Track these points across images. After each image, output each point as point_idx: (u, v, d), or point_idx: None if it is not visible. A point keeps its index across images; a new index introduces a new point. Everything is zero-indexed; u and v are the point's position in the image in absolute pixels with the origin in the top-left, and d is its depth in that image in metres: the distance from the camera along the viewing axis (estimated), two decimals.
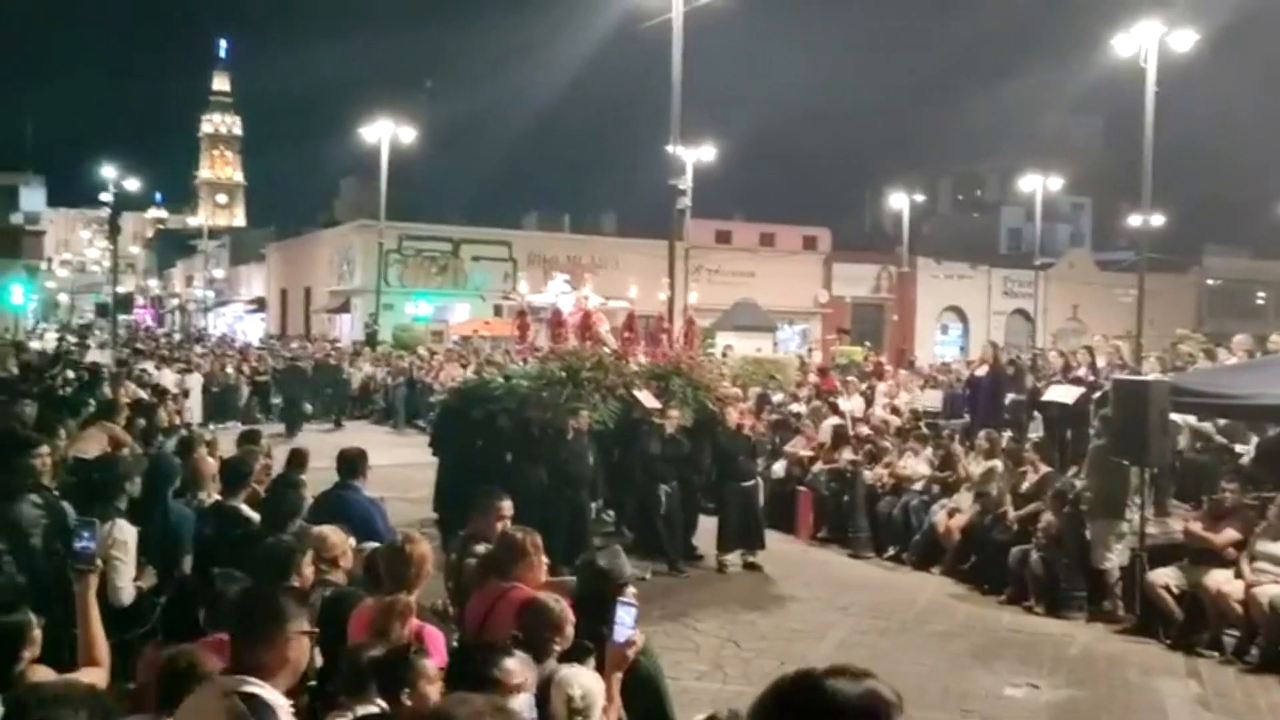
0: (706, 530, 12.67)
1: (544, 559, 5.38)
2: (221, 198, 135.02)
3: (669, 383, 12.79)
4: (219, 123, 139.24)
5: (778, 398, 18.53)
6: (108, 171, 45.10)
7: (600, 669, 4.42)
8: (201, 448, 9.28)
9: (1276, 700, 8.27)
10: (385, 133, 37.73)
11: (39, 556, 6.11)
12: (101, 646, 4.15)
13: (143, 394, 15.36)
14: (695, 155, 34.37)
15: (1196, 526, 9.92)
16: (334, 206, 59.51)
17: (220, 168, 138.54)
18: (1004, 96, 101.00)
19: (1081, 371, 14.56)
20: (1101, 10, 29.87)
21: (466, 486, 8.75)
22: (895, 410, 17.50)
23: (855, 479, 13.52)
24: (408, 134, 38.54)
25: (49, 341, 37.88)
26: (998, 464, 12.31)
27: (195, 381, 23.46)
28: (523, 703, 3.91)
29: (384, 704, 3.74)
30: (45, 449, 7.30)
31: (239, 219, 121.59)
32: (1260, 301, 56.86)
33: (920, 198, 55.16)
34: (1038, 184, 48.09)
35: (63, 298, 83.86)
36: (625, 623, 4.34)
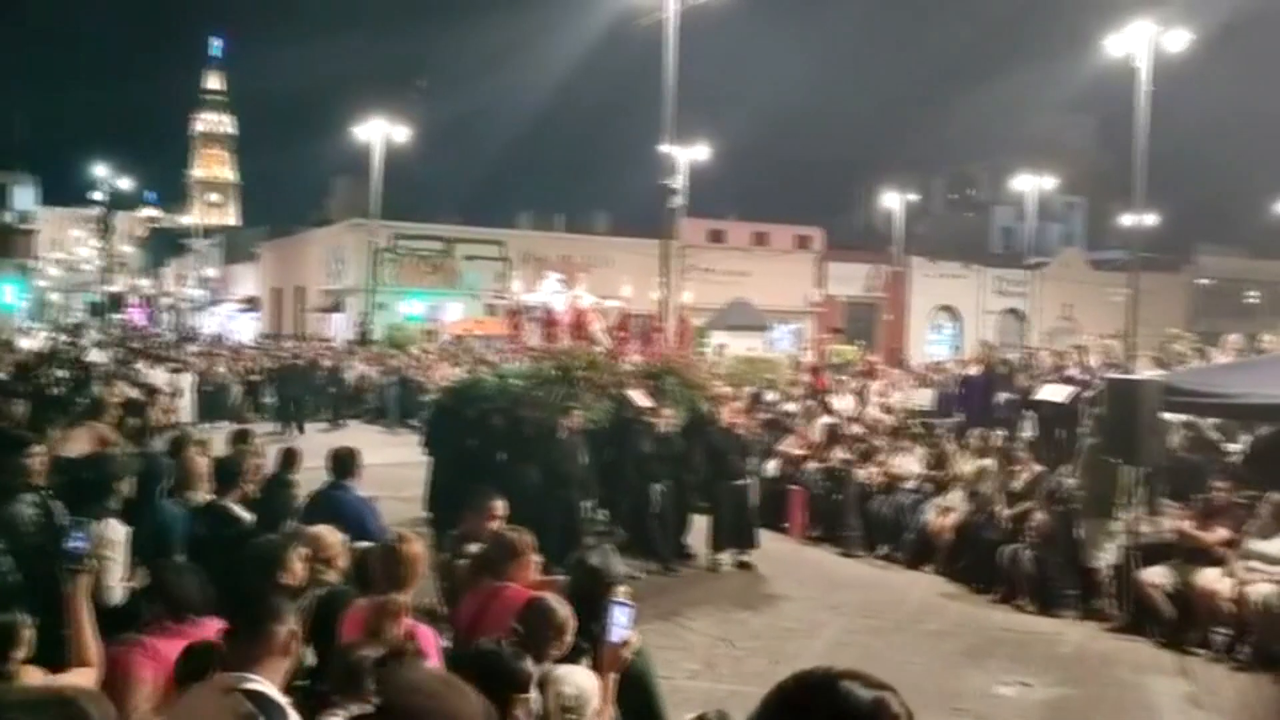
0: (699, 529, 12.68)
1: (536, 558, 5.39)
2: (214, 196, 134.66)
3: (662, 382, 12.80)
4: (212, 121, 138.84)
5: (770, 397, 18.55)
6: (100, 170, 45.17)
7: (595, 668, 4.43)
8: (193, 447, 9.27)
9: (1267, 698, 8.30)
10: (378, 131, 37.73)
11: (34, 557, 6.10)
12: (93, 647, 4.15)
13: (134, 393, 15.33)
14: (689, 154, 34.44)
15: (1188, 525, 9.96)
16: (327, 205, 59.49)
17: (213, 166, 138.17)
18: (997, 96, 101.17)
19: (1073, 370, 14.60)
20: (1095, 10, 29.97)
21: (459, 486, 8.76)
22: (888, 409, 17.53)
23: (847, 478, 13.54)
24: (401, 133, 38.57)
25: (39, 340, 37.74)
26: (990, 463, 12.34)
27: (187, 381, 23.40)
28: (534, 702, 3.94)
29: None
30: (39, 448, 7.30)
31: (232, 218, 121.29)
32: (1252, 301, 57.07)
33: (913, 197, 55.21)
34: (1031, 183, 48.29)
35: (55, 297, 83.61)
36: (621, 623, 4.34)
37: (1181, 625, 9.42)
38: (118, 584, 5.95)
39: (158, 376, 21.46)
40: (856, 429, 15.15)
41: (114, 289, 56.11)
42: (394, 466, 15.71)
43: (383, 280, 40.91)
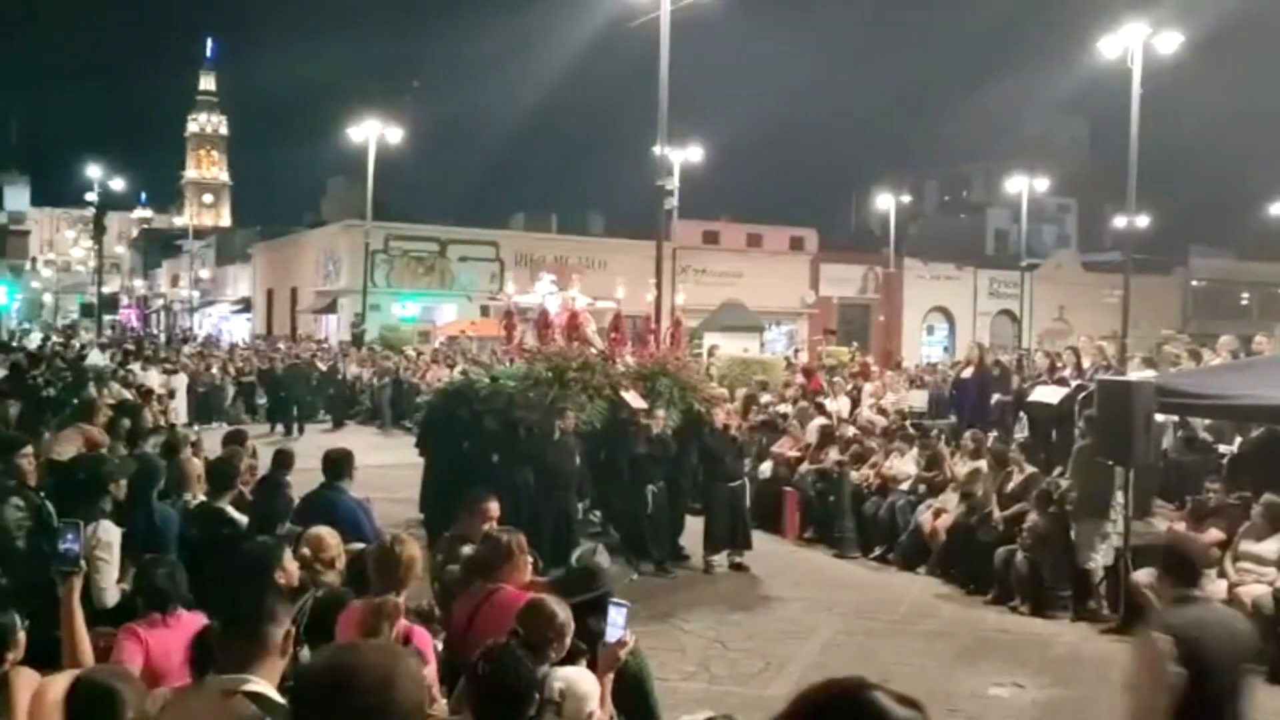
0: (693, 531, 12.68)
1: (529, 559, 5.38)
2: (207, 198, 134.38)
3: (656, 383, 12.78)
4: (205, 122, 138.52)
5: (765, 398, 18.55)
6: (93, 171, 45.04)
7: (591, 669, 4.43)
8: (187, 449, 9.25)
9: (1260, 700, 8.30)
10: (372, 133, 37.66)
11: (23, 558, 6.08)
12: (86, 648, 4.14)
13: (127, 394, 15.29)
14: (683, 156, 34.50)
15: (1180, 527, 9.98)
16: (320, 206, 59.27)
17: (206, 167, 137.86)
18: (990, 98, 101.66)
19: (1067, 372, 14.62)
20: (1087, 13, 30.05)
21: (453, 487, 8.75)
22: (881, 411, 17.54)
23: (841, 479, 13.55)
24: (395, 134, 38.49)
25: (33, 341, 37.65)
26: (983, 464, 12.35)
27: (181, 382, 23.35)
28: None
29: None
30: (30, 449, 7.28)
31: (225, 219, 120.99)
32: (1245, 302, 57.19)
33: (907, 199, 55.33)
34: (1024, 185, 48.32)
35: (47, 298, 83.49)
36: (617, 623, 4.34)
37: None
38: (111, 586, 5.94)
39: (151, 378, 21.40)
40: (850, 431, 15.16)
41: (107, 290, 55.97)
42: (388, 468, 15.72)
43: (376, 281, 40.84)
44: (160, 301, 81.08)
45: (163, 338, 50.57)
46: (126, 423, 10.78)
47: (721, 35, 42.66)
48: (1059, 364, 15.23)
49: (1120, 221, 34.21)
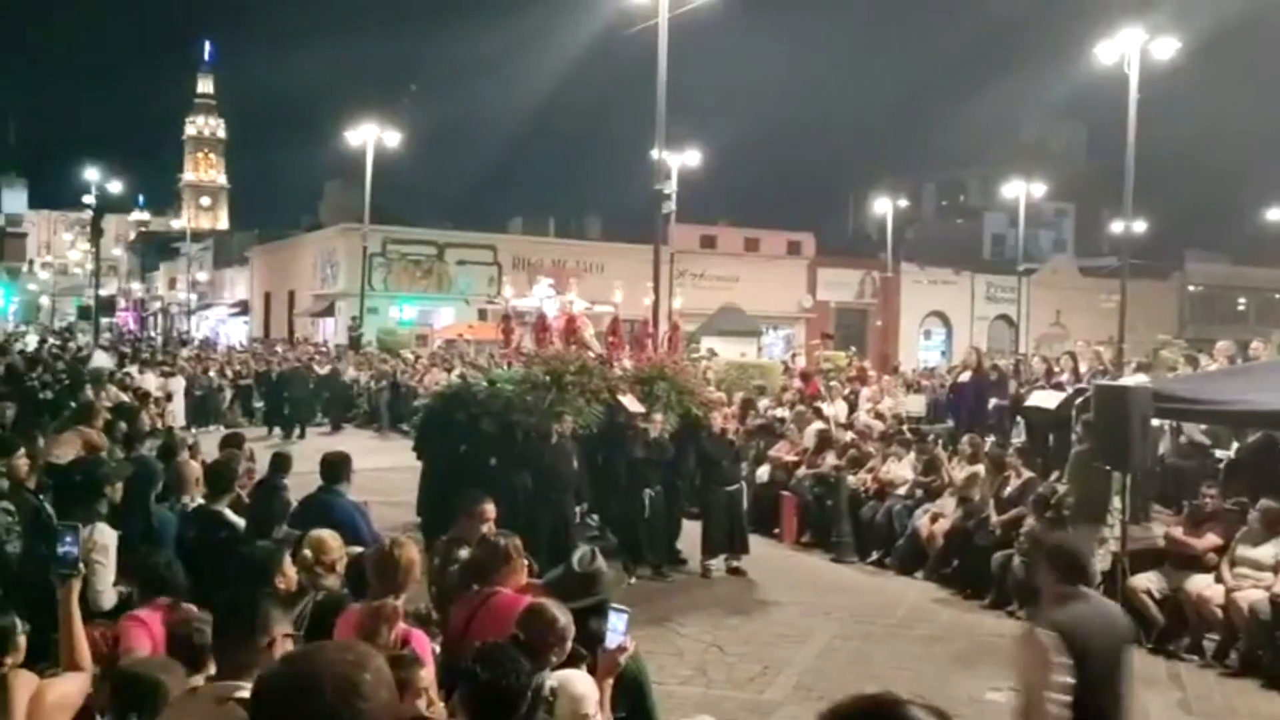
0: (690, 535, 12.68)
1: (525, 563, 5.39)
2: (205, 200, 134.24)
3: (653, 387, 12.80)
4: (203, 125, 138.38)
5: (762, 402, 18.55)
6: (91, 174, 44.94)
7: (591, 673, 4.43)
8: (184, 451, 9.25)
9: (1256, 704, 8.33)
10: (370, 136, 37.64)
11: (12, 561, 6.08)
12: (84, 650, 4.14)
13: (125, 397, 15.28)
14: (680, 160, 34.45)
15: (1177, 532, 9.99)
16: (318, 210, 59.21)
17: (204, 170, 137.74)
18: (987, 103, 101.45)
19: (1064, 377, 14.64)
20: (1084, 18, 30.09)
21: (450, 490, 8.73)
22: (879, 415, 17.55)
23: (839, 484, 13.55)
24: (392, 137, 38.46)
25: (29, 343, 37.58)
26: (980, 469, 12.37)
27: (178, 385, 23.33)
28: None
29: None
30: (21, 452, 7.28)
31: (222, 222, 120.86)
32: (1241, 307, 57.28)
33: (904, 203, 55.29)
34: (1021, 190, 48.26)
35: (44, 300, 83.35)
36: (616, 629, 4.34)
37: (1171, 632, 9.45)
38: (108, 589, 5.94)
39: (149, 381, 21.38)
40: (847, 435, 15.17)
41: (104, 293, 55.87)
42: (385, 471, 15.71)
43: (374, 285, 40.83)
44: (158, 304, 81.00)
45: (160, 340, 50.52)
46: (124, 425, 10.78)
47: (720, 39, 42.73)
48: (1056, 369, 15.25)
49: (1117, 226, 34.29)
